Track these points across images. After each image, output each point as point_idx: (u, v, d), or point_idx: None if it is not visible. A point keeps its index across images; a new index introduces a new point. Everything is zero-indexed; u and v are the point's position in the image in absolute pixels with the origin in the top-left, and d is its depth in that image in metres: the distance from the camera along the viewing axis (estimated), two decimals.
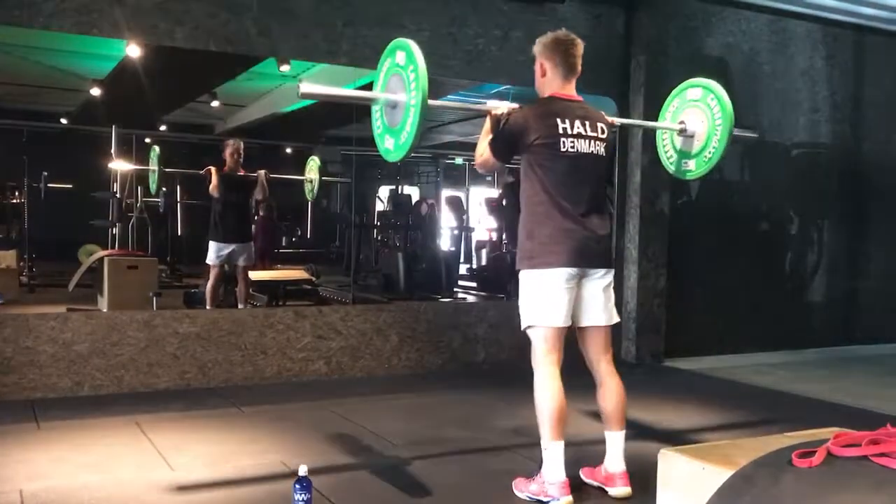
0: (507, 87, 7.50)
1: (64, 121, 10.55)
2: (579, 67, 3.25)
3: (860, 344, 7.59)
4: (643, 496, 3.04)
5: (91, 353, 4.77)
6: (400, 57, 2.91)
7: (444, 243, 11.09)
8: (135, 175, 8.48)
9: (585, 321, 3.20)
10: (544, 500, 3.03)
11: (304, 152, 10.84)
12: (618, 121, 3.52)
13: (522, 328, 3.18)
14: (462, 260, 11.42)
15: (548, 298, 3.07)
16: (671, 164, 3.77)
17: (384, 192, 12.55)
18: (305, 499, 2.68)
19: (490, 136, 3.21)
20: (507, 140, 3.15)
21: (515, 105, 3.20)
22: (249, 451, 3.69)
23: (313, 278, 8.39)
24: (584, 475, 3.27)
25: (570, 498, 2.99)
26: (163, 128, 10.46)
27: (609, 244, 3.25)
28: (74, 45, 6.94)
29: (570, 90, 3.24)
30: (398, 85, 2.90)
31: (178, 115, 10.42)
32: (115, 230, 7.94)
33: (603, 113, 3.30)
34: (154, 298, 6.37)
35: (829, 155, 7.68)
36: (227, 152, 6.71)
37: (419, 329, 5.73)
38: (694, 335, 6.74)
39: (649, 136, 6.26)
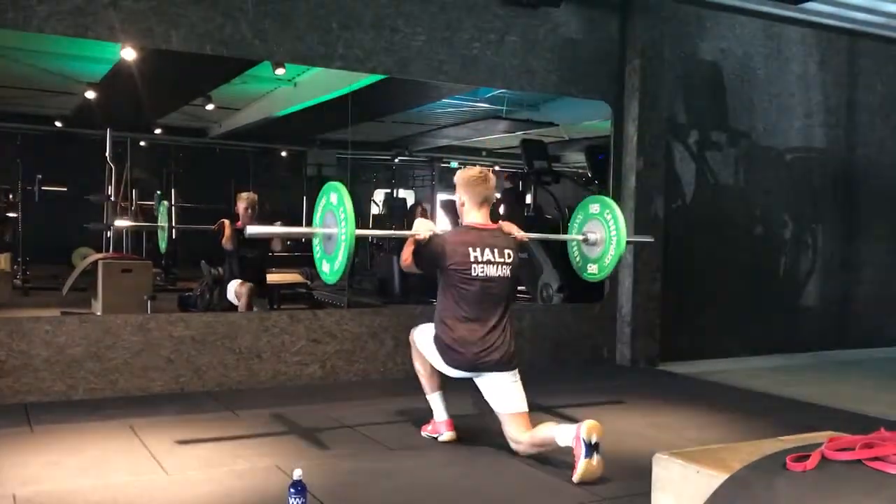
0: (502, 91, 7.53)
1: (58, 124, 10.50)
2: (493, 199, 3.84)
3: (854, 348, 7.62)
4: (637, 500, 3.05)
5: (85, 357, 4.75)
6: (333, 197, 3.53)
7: None
8: (129, 178, 8.45)
9: (493, 407, 3.76)
10: (435, 435, 3.94)
11: (298, 155, 10.84)
12: (527, 236, 3.98)
13: (415, 336, 4.00)
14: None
15: (439, 364, 3.84)
16: (577, 264, 4.52)
17: (379, 195, 12.53)
18: (300, 502, 2.68)
19: (412, 249, 3.78)
20: (427, 260, 3.75)
21: (437, 230, 3.76)
22: (244, 454, 3.68)
23: (308, 282, 8.37)
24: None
25: (452, 433, 3.91)
26: (157, 131, 10.43)
27: (509, 351, 3.72)
28: (69, 48, 6.91)
29: (485, 218, 3.79)
30: (332, 220, 3.52)
31: (173, 119, 10.39)
32: (110, 233, 7.90)
33: (513, 236, 3.83)
34: (148, 302, 6.35)
35: (822, 159, 7.72)
36: (241, 207, 6.35)
37: None
38: (688, 339, 6.75)
39: (644, 140, 6.30)
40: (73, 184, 9.23)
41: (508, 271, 3.72)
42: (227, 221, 6.33)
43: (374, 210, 12.16)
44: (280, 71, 5.97)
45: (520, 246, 3.88)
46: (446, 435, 3.91)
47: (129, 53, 5.62)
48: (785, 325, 7.44)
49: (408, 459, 3.68)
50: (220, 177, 9.57)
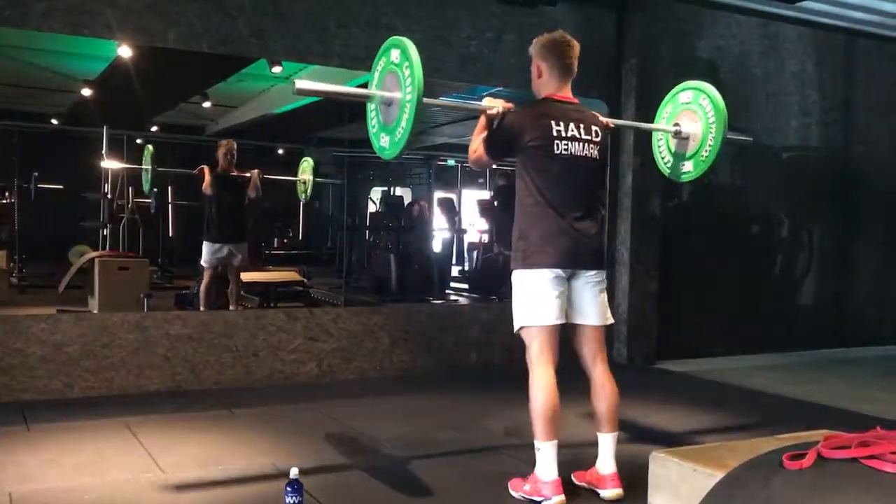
0: (500, 89, 7.52)
1: (55, 121, 10.51)
2: (575, 69, 3.26)
3: (850, 346, 7.62)
4: (634, 498, 3.05)
5: (81, 355, 4.75)
6: (395, 55, 2.92)
7: (436, 245, 11.09)
8: (126, 176, 8.45)
9: (579, 320, 3.22)
10: (537, 499, 3.04)
11: (295, 153, 10.84)
12: (613, 122, 3.54)
13: (515, 329, 3.19)
14: (454, 262, 11.42)
15: (539, 298, 3.10)
16: (667, 167, 3.80)
17: (376, 193, 12.54)
18: (296, 501, 2.68)
19: (484, 134, 3.22)
20: (501, 140, 3.17)
21: (511, 104, 3.19)
22: (240, 452, 3.68)
23: (305, 280, 8.37)
24: (576, 478, 3.27)
25: (562, 497, 3.00)
26: (154, 129, 10.43)
27: (601, 246, 3.26)
28: (66, 45, 6.91)
29: (566, 92, 3.25)
30: (393, 83, 2.91)
31: (170, 116, 10.40)
32: (106, 231, 7.90)
33: (598, 115, 3.33)
34: (145, 300, 6.35)
35: (819, 158, 7.73)
36: (220, 152, 6.70)
37: (411, 331, 5.73)
38: (685, 337, 6.75)
39: (641, 139, 6.28)
40: (70, 181, 9.23)
41: (597, 152, 3.19)
42: (206, 167, 6.65)
43: (371, 208, 12.17)
44: (277, 69, 5.96)
45: (607, 127, 3.35)
46: (555, 500, 3.01)
47: (125, 51, 5.62)
48: (782, 324, 7.44)
49: (404, 458, 3.68)
50: None
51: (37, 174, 9.02)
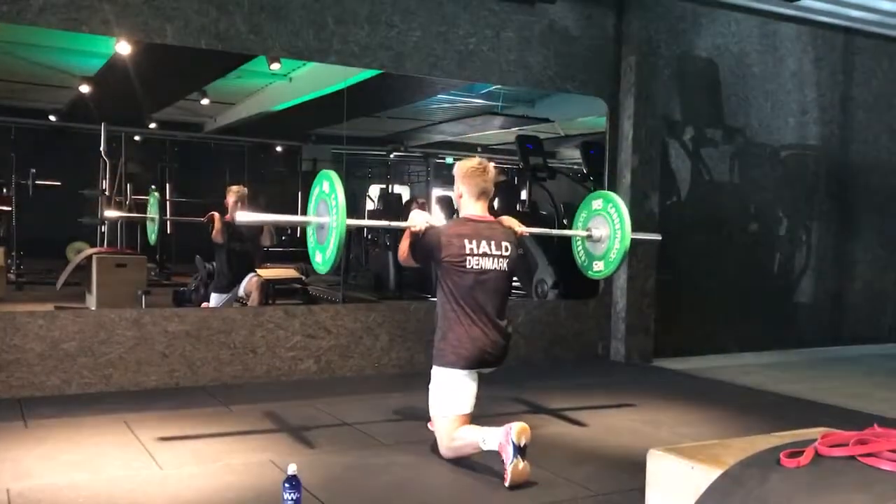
0: (498, 86, 7.51)
1: (52, 118, 10.47)
2: (491, 190, 3.74)
3: (847, 345, 7.64)
4: (632, 496, 3.06)
5: (79, 352, 4.74)
6: (325, 186, 3.48)
7: None
8: (124, 172, 8.42)
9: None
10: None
11: (294, 150, 10.82)
12: (527, 231, 3.90)
13: (431, 414, 3.61)
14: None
15: (453, 392, 3.55)
16: (582, 263, 4.40)
17: (374, 191, 12.51)
18: (295, 498, 2.68)
19: (408, 242, 3.71)
20: (422, 252, 3.67)
21: (431, 223, 3.66)
22: (238, 449, 3.68)
23: (303, 277, 8.36)
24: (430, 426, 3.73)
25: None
26: (152, 125, 10.41)
27: (506, 347, 3.67)
28: (63, 41, 6.88)
29: (483, 211, 3.72)
30: (325, 209, 3.47)
31: (168, 113, 10.36)
32: (104, 228, 7.88)
33: (512, 229, 3.77)
34: (143, 297, 6.33)
35: (817, 156, 7.74)
36: (230, 200, 6.34)
37: (409, 328, 5.73)
38: (682, 336, 6.76)
39: (639, 137, 6.30)
40: (68, 178, 9.21)
41: (505, 265, 3.64)
42: (216, 214, 6.35)
43: (370, 206, 12.15)
44: (275, 66, 5.96)
45: (518, 240, 3.81)
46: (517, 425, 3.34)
47: (123, 47, 5.61)
48: (779, 322, 7.46)
49: (402, 455, 3.68)
50: (215, 172, 9.55)
51: (34, 171, 9.00)
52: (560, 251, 7.24)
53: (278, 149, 11.23)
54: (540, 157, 7.89)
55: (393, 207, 11.00)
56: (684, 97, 6.92)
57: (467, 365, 3.54)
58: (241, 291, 6.40)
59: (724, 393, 5.47)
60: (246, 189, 6.51)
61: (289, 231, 12.04)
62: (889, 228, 8.15)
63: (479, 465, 3.57)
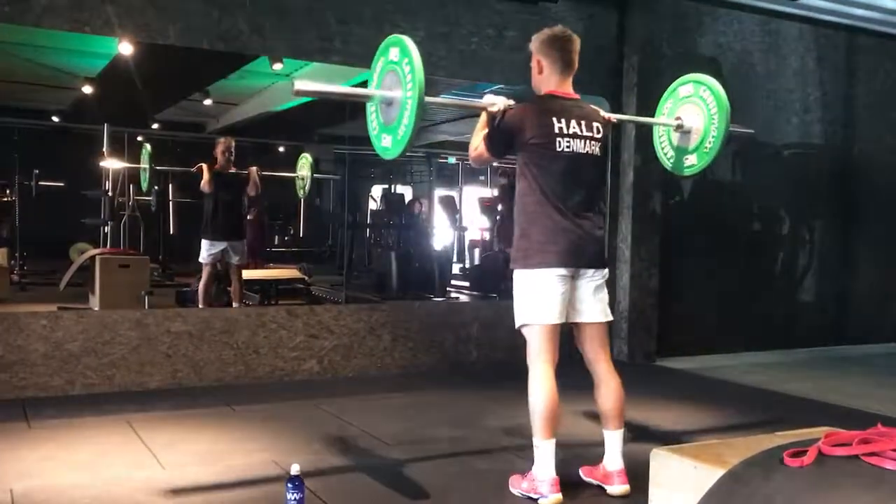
0: (501, 86, 7.51)
1: (55, 119, 10.51)
2: (576, 64, 3.24)
3: (851, 344, 7.62)
4: (635, 495, 3.05)
5: (82, 352, 4.75)
6: (394, 53, 2.88)
7: (437, 243, 11.08)
8: (126, 173, 8.45)
9: (581, 318, 3.21)
10: (534, 496, 3.05)
11: (296, 150, 10.83)
12: (615, 117, 3.50)
13: (517, 326, 3.18)
14: (455, 259, 11.41)
15: (541, 297, 3.09)
16: (669, 161, 3.78)
17: (377, 191, 12.52)
18: (297, 498, 2.68)
19: (485, 132, 3.20)
20: (503, 137, 3.16)
21: (511, 102, 3.18)
22: (241, 450, 3.68)
23: (306, 277, 8.37)
24: (584, 474, 3.29)
25: (559, 496, 3.01)
26: (155, 126, 10.43)
27: (603, 244, 3.27)
28: (66, 42, 6.90)
29: (567, 87, 3.24)
30: (393, 82, 2.86)
31: (171, 114, 10.39)
32: (107, 229, 7.90)
33: (600, 110, 3.31)
34: (146, 297, 6.35)
35: (820, 155, 7.72)
36: (219, 150, 6.70)
37: (412, 328, 5.73)
38: (686, 335, 6.75)
39: (642, 135, 6.28)
40: (71, 179, 9.23)
41: (598, 149, 3.18)
42: (205, 165, 6.64)
43: (372, 205, 12.16)
44: (278, 66, 5.97)
45: (608, 123, 3.34)
46: (551, 499, 3.01)
47: (126, 48, 5.62)
48: (782, 321, 7.44)
49: (405, 455, 3.68)
50: None
51: (38, 172, 9.02)
52: None
53: (281, 149, 11.26)
54: None
55: (395, 207, 11.01)
56: None
57: (560, 262, 3.08)
58: (231, 258, 6.71)
59: (727, 392, 5.46)
60: (233, 140, 6.86)
61: (291, 230, 12.06)
62: (892, 227, 8.13)
63: (483, 464, 3.56)
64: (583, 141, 3.13)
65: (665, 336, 6.55)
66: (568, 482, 3.14)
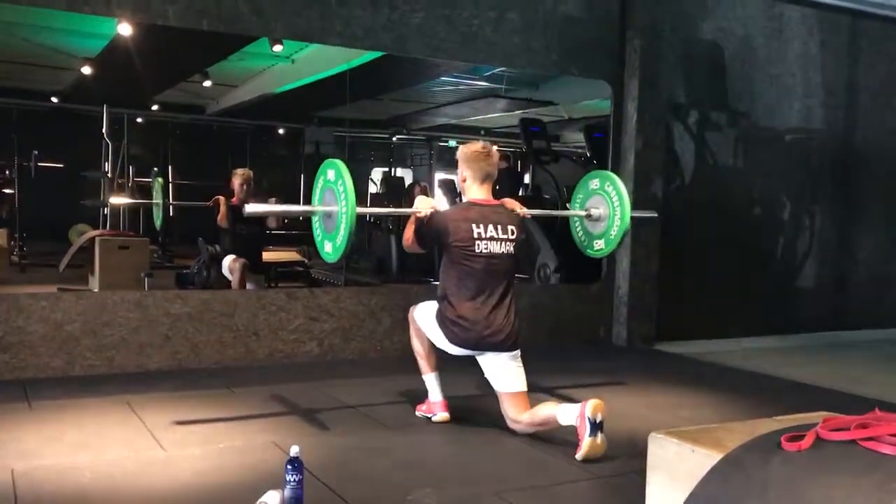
0: (501, 69, 7.48)
1: (54, 99, 10.46)
2: (495, 174, 3.78)
3: (850, 329, 7.64)
4: (633, 478, 3.07)
5: (82, 334, 4.76)
6: (331, 174, 3.47)
7: None
8: (126, 154, 8.42)
9: (494, 386, 3.76)
10: (429, 415, 3.93)
11: (296, 133, 10.80)
12: (529, 213, 3.96)
13: (415, 314, 3.93)
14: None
15: (439, 341, 3.81)
16: (582, 242, 4.45)
17: (377, 174, 12.50)
18: (297, 479, 2.69)
19: (415, 228, 3.74)
20: (429, 237, 3.72)
21: (436, 207, 3.71)
22: (241, 431, 3.69)
23: (305, 260, 8.37)
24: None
25: (446, 414, 3.90)
26: (154, 107, 10.39)
27: (513, 331, 3.69)
28: (65, 22, 6.85)
29: (487, 194, 3.75)
30: (331, 198, 3.46)
31: (170, 95, 10.34)
32: (107, 210, 7.88)
33: (516, 212, 3.80)
34: (145, 279, 6.34)
35: (822, 140, 7.70)
36: (236, 182, 6.30)
37: None
38: (685, 320, 6.76)
39: (643, 120, 6.28)
40: (70, 160, 9.21)
41: (512, 248, 3.69)
42: (222, 198, 6.26)
43: (372, 189, 12.13)
44: (277, 47, 5.93)
45: (522, 223, 3.85)
46: (440, 415, 3.89)
47: (125, 29, 5.59)
48: (781, 307, 7.45)
49: (404, 437, 3.70)
50: (218, 154, 9.54)
51: (37, 153, 8.99)
52: (562, 236, 7.24)
53: (281, 131, 11.22)
54: (543, 140, 7.87)
55: (395, 191, 11.00)
56: (689, 80, 6.88)
57: (462, 344, 3.68)
58: (224, 271, 6.33)
59: (725, 377, 5.48)
60: (251, 172, 6.44)
61: None
62: (893, 213, 8.13)
63: (479, 443, 3.58)
64: (499, 243, 3.66)
65: (664, 321, 6.56)
66: (568, 468, 3.13)
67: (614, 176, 4.29)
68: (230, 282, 6.64)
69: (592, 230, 4.38)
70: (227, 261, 6.26)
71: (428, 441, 3.70)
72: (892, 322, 7.98)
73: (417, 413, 4.00)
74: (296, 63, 8.12)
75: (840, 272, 7.89)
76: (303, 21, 5.23)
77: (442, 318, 3.73)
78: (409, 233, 3.77)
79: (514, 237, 3.70)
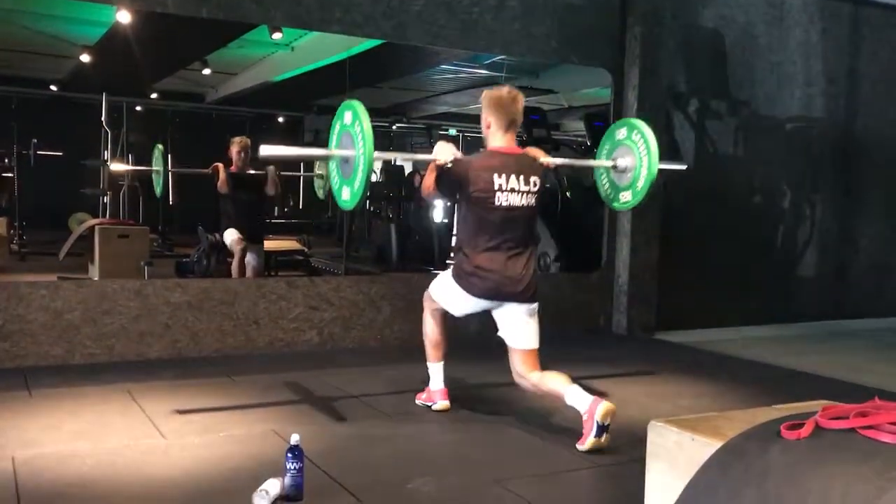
0: (501, 57, 7.45)
1: (53, 87, 10.43)
2: (520, 121, 3.64)
3: (849, 318, 7.64)
4: (632, 466, 3.07)
5: (82, 322, 4.76)
6: (347, 117, 3.34)
7: (437, 215, 11.05)
8: (125, 143, 8.41)
9: (507, 342, 3.67)
10: (430, 404, 3.91)
11: (296, 121, 10.77)
12: (553, 162, 3.78)
13: (429, 292, 3.81)
14: (455, 232, 11.38)
15: (454, 301, 3.69)
16: (607, 195, 4.23)
17: (377, 163, 12.46)
18: (297, 467, 2.70)
19: (434, 175, 3.60)
20: (449, 186, 3.59)
21: (458, 154, 3.55)
22: (241, 419, 3.70)
23: (305, 249, 8.37)
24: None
25: (447, 402, 3.88)
26: (153, 96, 10.36)
27: (531, 282, 3.60)
28: (64, 10, 6.84)
29: (511, 143, 3.61)
30: (349, 142, 3.32)
31: (169, 83, 10.32)
32: (106, 199, 7.87)
33: (539, 162, 3.65)
34: (145, 267, 6.34)
35: (822, 129, 7.68)
36: (234, 150, 6.40)
37: (412, 300, 5.70)
38: (685, 308, 6.76)
39: (644, 107, 6.25)
40: (70, 148, 9.19)
41: (533, 200, 3.57)
42: (220, 165, 6.36)
43: (372, 177, 12.11)
44: (277, 35, 5.90)
45: (545, 172, 3.71)
46: (440, 404, 3.87)
47: (124, 16, 5.56)
48: (781, 295, 7.45)
49: (404, 425, 3.71)
50: (217, 142, 9.50)
51: (36, 141, 8.98)
52: (563, 224, 7.24)
53: (280, 119, 11.20)
54: (544, 128, 7.85)
55: (395, 179, 10.97)
56: (689, 68, 6.86)
57: (482, 295, 3.56)
58: (227, 242, 6.42)
59: (725, 366, 5.48)
60: (248, 140, 6.52)
61: (291, 203, 12.04)
62: (893, 202, 8.11)
63: (479, 433, 3.59)
64: (520, 195, 3.52)
65: (664, 310, 6.56)
66: (567, 456, 3.14)
67: (642, 124, 4.03)
68: (229, 273, 6.65)
69: (619, 182, 4.13)
70: (231, 235, 6.33)
71: (428, 429, 3.71)
72: (893, 311, 7.98)
73: (417, 402, 3.98)
74: (295, 51, 8.10)
75: (840, 261, 7.88)
76: (302, 8, 5.20)
77: (459, 273, 3.61)
78: (428, 180, 3.61)
79: (535, 189, 3.57)
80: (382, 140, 12.27)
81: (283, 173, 6.95)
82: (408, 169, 11.85)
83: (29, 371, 4.49)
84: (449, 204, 9.86)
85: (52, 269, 6.76)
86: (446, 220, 11.01)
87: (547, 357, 4.92)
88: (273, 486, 2.66)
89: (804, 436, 1.42)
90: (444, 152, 3.53)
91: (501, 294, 3.55)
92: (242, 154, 6.40)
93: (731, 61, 7.02)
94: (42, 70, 9.96)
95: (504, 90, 3.57)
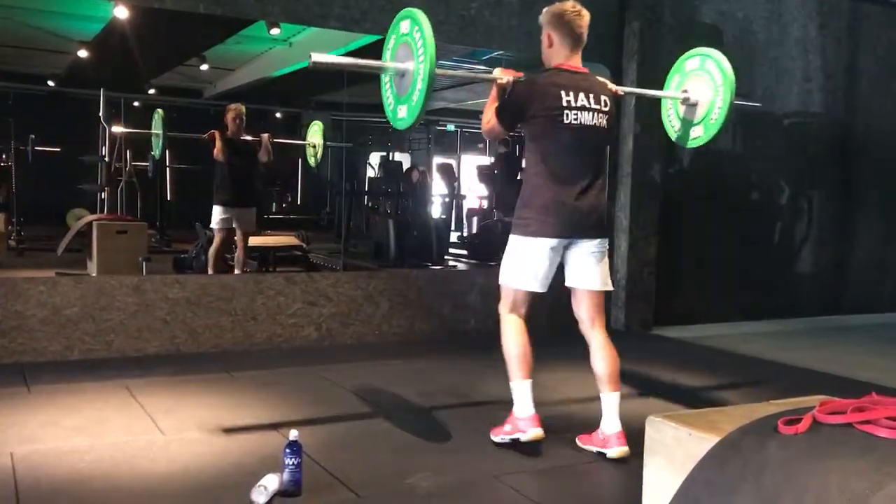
0: (500, 52, 7.44)
1: (51, 83, 10.42)
2: (585, 38, 3.28)
3: (847, 314, 7.65)
4: (630, 462, 3.08)
5: (81, 318, 4.76)
6: (405, 26, 2.99)
7: (435, 211, 11.06)
8: (123, 138, 8.40)
9: (579, 285, 3.32)
10: (516, 436, 3.23)
11: (293, 117, 10.77)
12: (622, 90, 3.53)
13: (499, 281, 3.36)
14: (453, 227, 11.40)
15: (528, 265, 3.24)
16: (676, 133, 3.88)
17: (375, 158, 12.46)
18: (296, 463, 2.70)
19: (496, 105, 3.27)
20: (512, 110, 3.23)
21: (521, 74, 3.27)
22: (239, 415, 3.70)
23: (303, 244, 8.37)
24: (581, 442, 3.33)
25: (539, 430, 3.20)
26: (151, 91, 10.36)
27: (603, 215, 3.32)
28: (61, 5, 6.83)
29: (576, 61, 3.28)
30: (406, 54, 2.98)
31: (167, 79, 10.31)
32: (104, 194, 7.87)
33: (608, 83, 3.36)
34: (143, 263, 6.34)
35: (820, 125, 7.68)
36: (229, 117, 6.61)
37: (410, 296, 5.74)
38: (683, 304, 6.77)
39: (642, 103, 6.24)
40: (67, 144, 9.18)
41: (605, 121, 3.23)
42: (217, 132, 6.55)
43: (370, 173, 12.11)
44: (275, 31, 5.91)
45: (615, 98, 3.39)
46: (532, 433, 3.20)
47: (121, 12, 5.56)
48: (779, 291, 7.46)
49: (403, 421, 3.71)
50: None
51: (34, 137, 8.97)
52: None
53: (278, 115, 11.19)
54: None
55: (393, 174, 10.97)
56: None
57: (555, 233, 3.18)
58: (240, 225, 6.64)
59: (723, 361, 5.49)
60: (243, 107, 6.72)
61: (289, 197, 12.04)
62: (892, 197, 8.12)
63: (479, 428, 3.59)
64: (591, 113, 3.19)
65: (662, 305, 6.56)
66: (566, 451, 3.16)
67: (718, 53, 3.67)
68: (232, 267, 6.69)
69: (689, 116, 3.78)
70: (217, 216, 6.57)
71: (426, 425, 3.71)
72: (890, 306, 8.00)
73: (496, 439, 3.32)
74: (293, 46, 8.09)
75: (838, 257, 7.89)
76: (300, 4, 5.19)
77: (527, 221, 3.21)
78: (489, 113, 3.27)
79: (607, 109, 3.25)
80: (381, 136, 12.27)
81: (275, 140, 7.09)
82: (406, 165, 11.86)
83: (27, 367, 4.49)
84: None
85: (50, 265, 6.75)
86: (444, 216, 11.04)
87: (545, 354, 4.93)
88: (271, 482, 2.66)
89: (802, 431, 1.43)
90: (506, 72, 3.28)
91: (576, 228, 3.19)
92: (237, 120, 6.61)
93: (729, 57, 6.99)
94: (40, 66, 9.96)
95: (568, 3, 3.25)
